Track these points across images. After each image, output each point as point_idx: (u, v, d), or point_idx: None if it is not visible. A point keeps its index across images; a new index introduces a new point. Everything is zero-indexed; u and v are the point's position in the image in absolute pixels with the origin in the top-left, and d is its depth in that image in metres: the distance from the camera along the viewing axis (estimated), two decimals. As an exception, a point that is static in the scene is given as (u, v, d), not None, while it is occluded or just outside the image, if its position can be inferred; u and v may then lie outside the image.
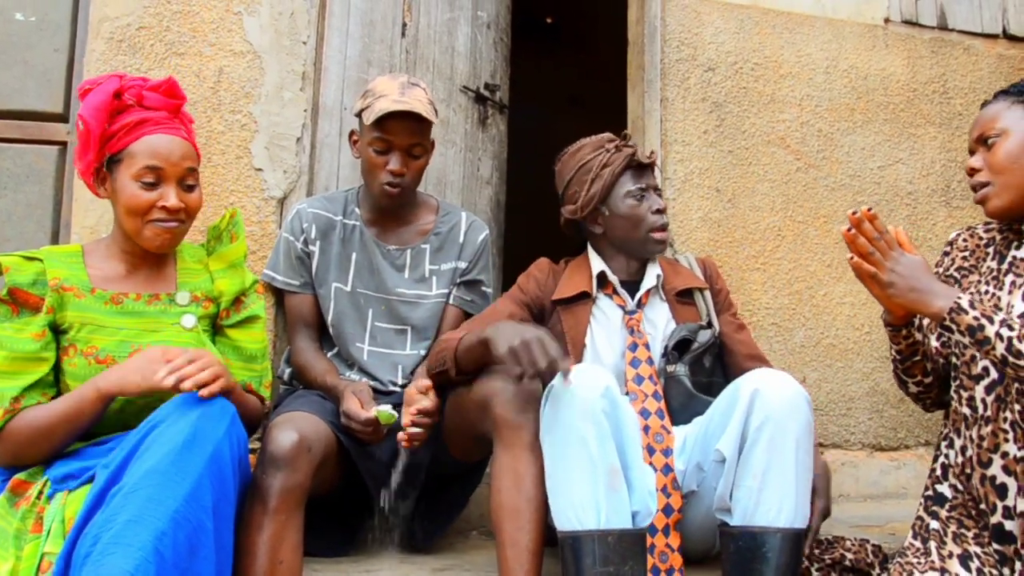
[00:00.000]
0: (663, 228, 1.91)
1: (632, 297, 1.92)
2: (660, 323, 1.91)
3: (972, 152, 1.59)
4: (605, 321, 1.90)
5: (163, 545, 1.20)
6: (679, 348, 1.84)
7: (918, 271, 1.44)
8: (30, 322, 1.52)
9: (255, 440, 1.96)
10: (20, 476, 1.49)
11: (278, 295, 2.12)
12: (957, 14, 2.96)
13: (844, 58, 2.84)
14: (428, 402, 1.68)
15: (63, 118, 2.20)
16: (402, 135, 1.86)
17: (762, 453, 1.54)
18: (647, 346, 1.84)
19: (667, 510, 1.69)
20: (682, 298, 1.95)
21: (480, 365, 1.68)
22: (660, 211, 1.91)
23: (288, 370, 2.02)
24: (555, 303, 1.93)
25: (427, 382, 1.73)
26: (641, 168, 1.93)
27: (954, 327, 1.40)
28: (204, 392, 1.39)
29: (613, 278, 1.93)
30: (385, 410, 1.66)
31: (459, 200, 2.52)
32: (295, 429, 1.54)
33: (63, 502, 1.40)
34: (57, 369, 1.56)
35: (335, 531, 1.88)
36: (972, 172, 1.57)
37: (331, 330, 1.97)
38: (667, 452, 1.74)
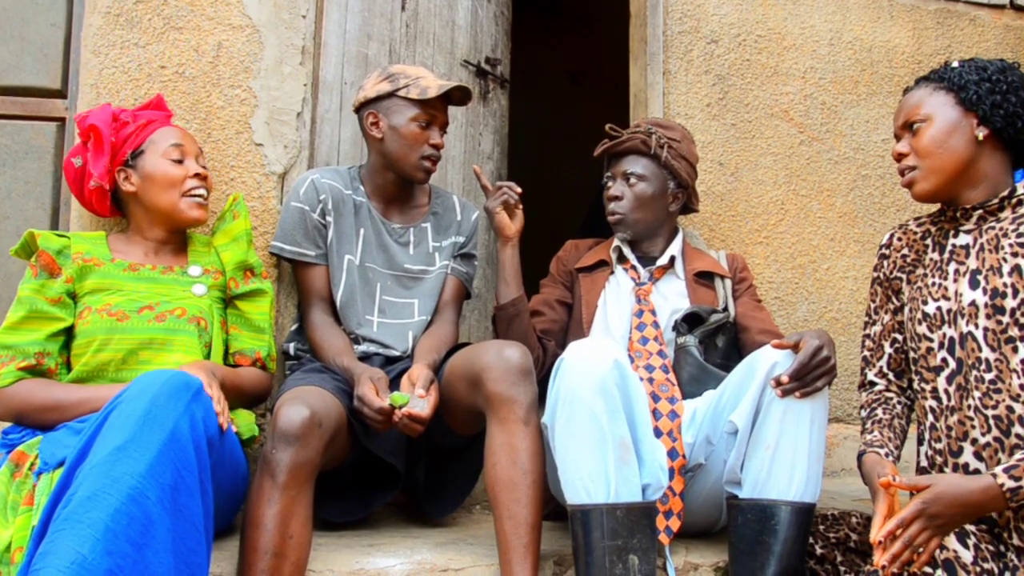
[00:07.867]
0: (611, 213, 2.03)
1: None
2: (672, 297, 1.97)
3: (898, 138, 1.61)
4: (617, 290, 1.99)
5: (117, 522, 1.21)
6: (689, 322, 1.86)
7: (945, 497, 1.33)
8: (49, 285, 1.68)
9: (260, 414, 1.97)
10: (21, 448, 1.53)
11: (281, 270, 2.10)
12: (963, -16, 2.92)
13: (848, 30, 2.81)
14: (426, 407, 1.66)
15: (61, 94, 2.18)
16: (443, 112, 2.01)
17: (776, 425, 1.55)
18: (653, 312, 1.92)
19: (672, 454, 1.71)
20: (701, 280, 2.01)
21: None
22: (612, 198, 2.03)
23: (292, 344, 2.01)
24: (578, 271, 2.08)
25: (426, 372, 1.73)
26: (616, 156, 2.07)
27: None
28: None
29: (629, 253, 2.03)
30: (398, 394, 1.66)
31: (460, 175, 2.50)
32: (306, 405, 1.54)
33: (51, 477, 1.43)
34: (69, 336, 1.69)
35: (351, 497, 1.89)
36: (899, 157, 1.59)
37: (339, 303, 1.96)
38: (672, 400, 1.77)
